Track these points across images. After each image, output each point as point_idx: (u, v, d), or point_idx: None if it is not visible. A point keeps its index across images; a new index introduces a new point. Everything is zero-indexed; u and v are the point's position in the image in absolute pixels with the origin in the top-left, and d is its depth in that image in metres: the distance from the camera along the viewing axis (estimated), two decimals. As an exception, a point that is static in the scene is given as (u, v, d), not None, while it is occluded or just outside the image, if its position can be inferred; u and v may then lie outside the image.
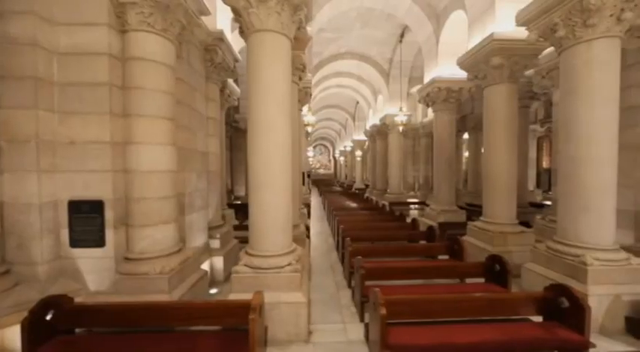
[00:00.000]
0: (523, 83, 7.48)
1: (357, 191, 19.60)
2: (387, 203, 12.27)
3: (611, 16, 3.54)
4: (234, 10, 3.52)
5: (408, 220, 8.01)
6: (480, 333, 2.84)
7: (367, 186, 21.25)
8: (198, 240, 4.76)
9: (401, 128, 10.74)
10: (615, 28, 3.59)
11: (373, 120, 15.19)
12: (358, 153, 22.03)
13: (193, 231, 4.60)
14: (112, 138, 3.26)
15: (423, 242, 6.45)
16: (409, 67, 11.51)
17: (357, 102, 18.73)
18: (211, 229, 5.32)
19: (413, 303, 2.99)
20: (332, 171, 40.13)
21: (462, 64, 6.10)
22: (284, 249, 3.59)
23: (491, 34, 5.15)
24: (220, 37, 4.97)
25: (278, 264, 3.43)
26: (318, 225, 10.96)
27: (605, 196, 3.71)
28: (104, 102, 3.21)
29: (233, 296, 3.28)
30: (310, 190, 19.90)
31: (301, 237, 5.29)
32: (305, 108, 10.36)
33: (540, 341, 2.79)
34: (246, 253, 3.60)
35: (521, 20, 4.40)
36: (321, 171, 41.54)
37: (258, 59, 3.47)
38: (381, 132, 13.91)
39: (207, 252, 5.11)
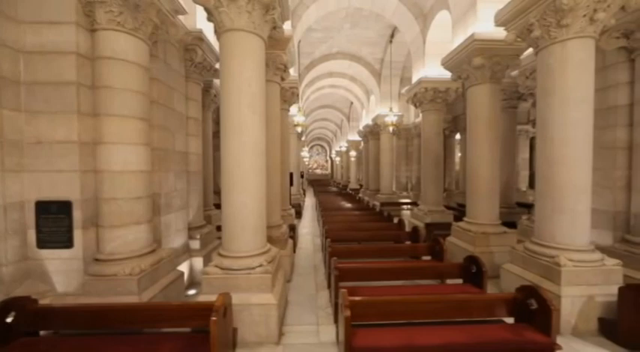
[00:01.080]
0: (510, 83, 7.47)
1: (351, 191, 19.59)
2: (378, 203, 12.25)
3: (584, 16, 3.53)
4: (207, 10, 3.50)
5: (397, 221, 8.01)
6: (447, 335, 2.82)
7: (362, 186, 21.25)
8: (176, 240, 4.72)
9: (391, 128, 10.73)
10: (589, 28, 3.58)
11: (366, 120, 15.18)
12: (352, 153, 22.01)
13: (171, 231, 4.56)
14: (80, 137, 3.23)
15: (408, 242, 6.44)
16: (400, 67, 11.50)
17: (352, 103, 18.72)
18: (192, 229, 5.29)
19: (380, 305, 2.96)
20: (329, 171, 40.13)
21: (446, 64, 6.08)
22: (256, 249, 3.56)
23: (472, 35, 5.14)
24: (200, 37, 4.94)
25: (249, 265, 3.40)
26: (309, 226, 10.92)
27: (579, 197, 3.70)
28: (72, 101, 3.18)
29: (203, 298, 3.25)
30: (304, 191, 19.88)
31: (282, 237, 5.26)
32: (294, 108, 10.36)
33: (507, 343, 2.77)
34: (218, 254, 3.57)
35: (500, 20, 4.39)
36: (318, 171, 41.53)
37: (230, 58, 3.45)
38: (373, 132, 13.90)
39: (187, 252, 5.08)
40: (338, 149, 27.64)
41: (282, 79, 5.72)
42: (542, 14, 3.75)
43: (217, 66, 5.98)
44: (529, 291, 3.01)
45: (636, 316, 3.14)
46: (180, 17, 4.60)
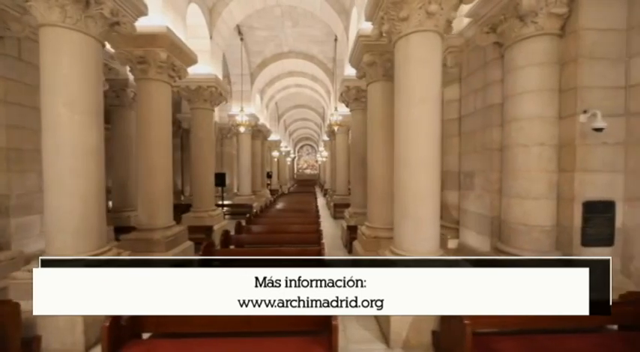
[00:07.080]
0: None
1: (324, 191, 19.39)
2: (332, 204, 12.05)
3: (420, 8, 3.32)
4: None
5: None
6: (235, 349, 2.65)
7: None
8: (41, 242, 4.61)
9: (336, 128, 10.52)
10: (428, 22, 3.37)
11: (328, 120, 14.97)
12: (325, 153, 21.81)
13: (31, 233, 4.47)
14: None
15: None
16: (353, 65, 11.25)
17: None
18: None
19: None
20: (318, 171, 39.90)
21: (350, 62, 5.88)
22: (79, 253, 3.42)
23: (358, 31, 4.94)
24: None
25: (61, 271, 3.26)
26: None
27: (423, 202, 3.49)
28: None
29: (11, 304, 3.12)
30: (273, 191, 19.73)
31: (163, 240, 5.10)
32: (234, 107, 10.22)
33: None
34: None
35: (366, 15, 4.19)
36: (308, 171, 41.41)
37: (45, 55, 3.32)
38: (333, 132, 13.67)
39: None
40: (320, 149, 27.48)
41: (179, 77, 5.58)
42: (387, 7, 3.54)
43: (112, 65, 5.91)
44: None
45: (452, 327, 2.92)
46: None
